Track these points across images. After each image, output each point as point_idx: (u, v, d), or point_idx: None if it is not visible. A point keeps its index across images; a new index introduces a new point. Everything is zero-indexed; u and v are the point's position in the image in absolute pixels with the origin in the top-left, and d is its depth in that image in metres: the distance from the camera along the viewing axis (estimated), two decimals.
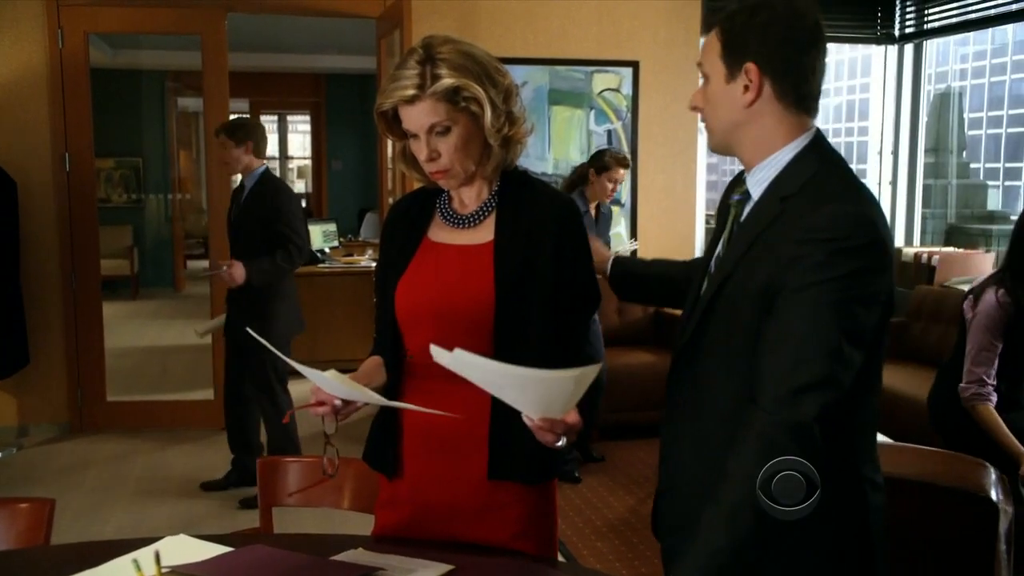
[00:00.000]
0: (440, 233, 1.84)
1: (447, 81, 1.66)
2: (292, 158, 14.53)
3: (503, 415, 1.69)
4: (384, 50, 5.62)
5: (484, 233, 1.80)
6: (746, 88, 1.52)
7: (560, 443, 1.60)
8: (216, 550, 1.73)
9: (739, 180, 1.66)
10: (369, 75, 8.95)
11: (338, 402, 1.68)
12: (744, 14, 1.54)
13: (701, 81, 1.61)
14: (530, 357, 1.70)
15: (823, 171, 1.51)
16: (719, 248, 1.64)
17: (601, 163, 4.57)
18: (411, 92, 1.67)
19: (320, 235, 7.77)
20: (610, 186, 4.59)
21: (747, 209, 1.59)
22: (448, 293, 1.75)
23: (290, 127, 14.20)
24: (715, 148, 1.65)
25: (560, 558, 3.56)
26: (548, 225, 1.77)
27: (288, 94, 11.95)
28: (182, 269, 10.56)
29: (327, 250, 7.67)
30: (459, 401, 1.70)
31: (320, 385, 1.68)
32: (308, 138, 13.17)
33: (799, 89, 1.54)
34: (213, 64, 5.42)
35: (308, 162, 13.65)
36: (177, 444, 5.29)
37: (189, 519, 4.18)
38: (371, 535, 1.92)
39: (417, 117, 1.68)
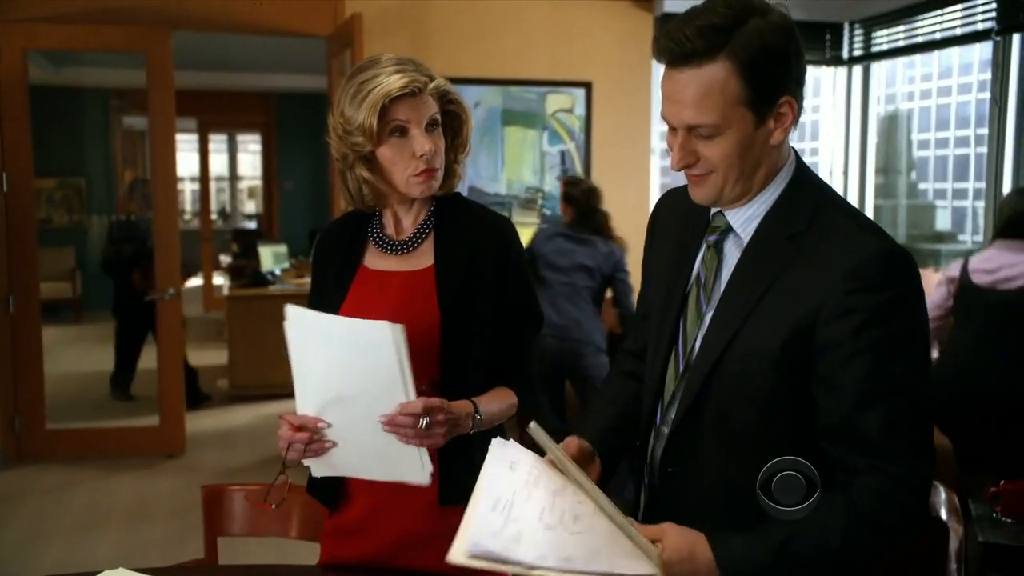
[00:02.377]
0: (376, 260, 1.80)
1: (441, 79, 1.71)
2: (242, 178, 14.35)
3: (450, 441, 1.65)
4: (335, 69, 5.55)
5: (423, 258, 1.77)
6: (776, 124, 1.34)
7: (430, 428, 1.54)
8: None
9: (687, 193, 1.44)
10: (320, 95, 8.86)
11: (314, 434, 1.63)
12: (752, 37, 1.28)
13: (680, 134, 1.35)
14: (475, 379, 1.71)
15: (824, 201, 1.39)
16: (694, 294, 1.44)
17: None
18: (416, 82, 1.65)
19: (271, 256, 7.64)
20: None
21: (731, 249, 1.42)
22: (392, 321, 1.68)
23: (240, 147, 14.02)
24: (721, 201, 1.39)
25: None
26: (489, 247, 1.75)
27: (238, 113, 11.81)
28: None
29: (278, 272, 7.55)
30: None
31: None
32: (259, 158, 13.01)
33: (802, 110, 1.37)
34: (159, 82, 5.30)
35: (259, 183, 13.48)
36: (121, 472, 5.13)
37: (132, 551, 4.04)
38: (317, 565, 1.85)
39: (420, 108, 1.67)
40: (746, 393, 1.36)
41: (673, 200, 1.59)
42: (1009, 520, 2.80)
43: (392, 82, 1.64)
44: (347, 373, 1.57)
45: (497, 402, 1.74)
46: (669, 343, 1.47)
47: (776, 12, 1.32)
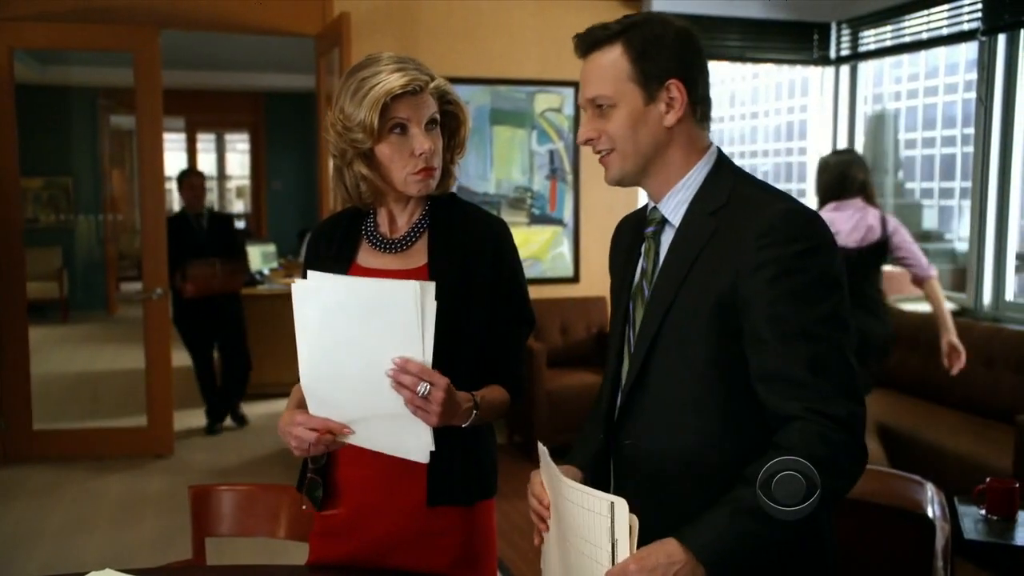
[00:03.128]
0: (369, 258, 1.80)
1: (442, 79, 1.71)
2: (230, 178, 14.30)
3: (438, 441, 1.66)
4: (323, 69, 5.54)
5: (416, 257, 1.76)
6: (668, 107, 1.49)
7: (431, 397, 1.52)
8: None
9: (641, 215, 1.62)
10: (309, 94, 8.85)
11: (326, 434, 1.62)
12: (644, 30, 1.49)
13: (586, 113, 1.54)
14: (466, 379, 1.70)
15: (741, 180, 1.52)
16: (638, 285, 1.56)
17: None
18: (417, 80, 1.66)
19: (259, 256, 7.62)
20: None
21: (666, 237, 1.54)
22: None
23: (228, 146, 13.97)
24: (624, 179, 1.54)
25: None
26: (484, 247, 1.75)
27: (226, 113, 11.77)
28: (115, 292, 10.27)
29: (266, 271, 7.53)
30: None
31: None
32: (247, 158, 12.97)
33: (707, 102, 1.54)
34: (146, 82, 5.28)
35: (247, 182, 13.44)
36: (109, 473, 5.11)
37: (120, 552, 4.02)
38: (306, 565, 1.85)
39: (421, 107, 1.68)
40: (684, 364, 1.46)
41: (623, 224, 1.72)
42: (995, 518, 2.82)
43: (393, 80, 1.64)
44: (363, 339, 1.54)
45: (494, 400, 1.75)
46: (621, 333, 1.58)
47: (678, 23, 1.52)
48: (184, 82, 9.23)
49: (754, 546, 1.35)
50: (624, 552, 1.35)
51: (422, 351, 1.52)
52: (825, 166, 4.28)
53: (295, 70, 8.76)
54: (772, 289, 1.37)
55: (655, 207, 1.56)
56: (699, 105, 1.51)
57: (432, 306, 1.49)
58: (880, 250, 4.08)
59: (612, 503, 1.34)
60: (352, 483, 1.77)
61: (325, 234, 1.87)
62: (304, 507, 1.82)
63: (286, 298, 6.08)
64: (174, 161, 12.45)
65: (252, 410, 6.36)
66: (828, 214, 4.06)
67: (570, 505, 1.44)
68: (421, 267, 1.74)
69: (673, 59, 1.49)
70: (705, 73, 1.53)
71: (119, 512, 4.51)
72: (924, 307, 5.26)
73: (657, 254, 1.55)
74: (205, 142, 13.38)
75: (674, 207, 1.53)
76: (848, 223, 4.05)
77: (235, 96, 11.39)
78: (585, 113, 1.55)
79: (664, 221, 1.54)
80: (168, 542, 4.09)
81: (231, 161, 14.26)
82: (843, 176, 4.13)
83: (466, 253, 1.75)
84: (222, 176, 14.01)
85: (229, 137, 13.71)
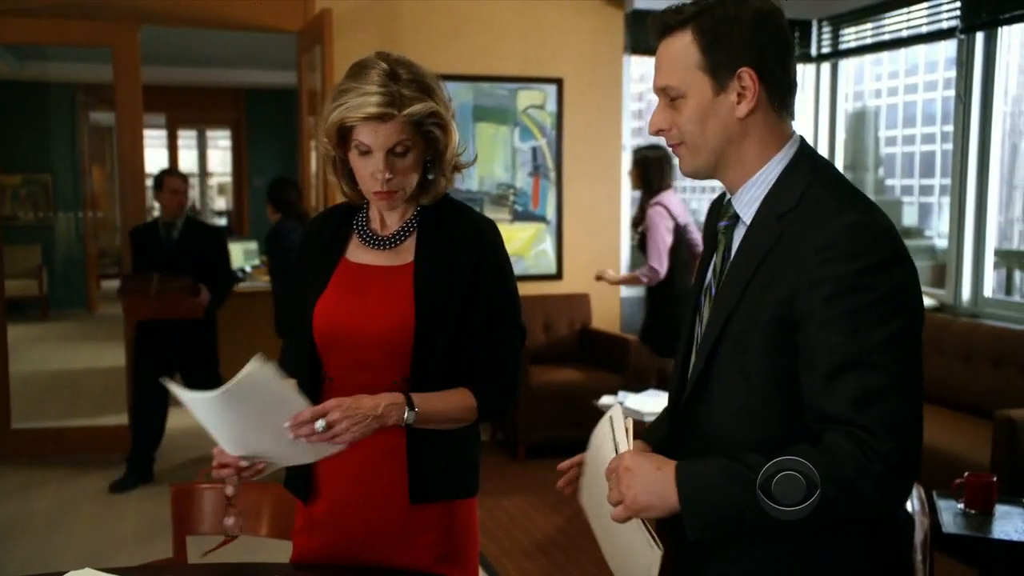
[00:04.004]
0: (359, 254, 1.80)
1: (419, 107, 1.64)
2: (212, 175, 14.22)
3: (419, 438, 1.68)
4: (305, 65, 5.52)
5: (404, 255, 1.77)
6: (740, 97, 1.39)
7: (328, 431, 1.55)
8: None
9: (723, 204, 1.52)
10: (290, 90, 8.80)
11: (242, 463, 1.65)
12: (717, 13, 1.38)
13: (659, 101, 1.45)
14: (443, 380, 1.71)
15: (818, 181, 1.40)
16: (709, 282, 1.50)
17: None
18: (382, 110, 1.62)
19: (241, 254, 7.59)
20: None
21: (738, 234, 1.46)
22: (367, 315, 1.71)
23: (210, 143, 13.90)
24: (698, 172, 1.47)
25: None
26: (467, 248, 1.75)
27: (207, 109, 11.69)
28: (96, 289, 10.20)
29: (248, 269, 7.50)
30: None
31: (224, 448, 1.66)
32: (229, 154, 12.90)
33: (788, 92, 1.43)
34: (126, 78, 5.25)
35: (229, 179, 13.37)
36: (88, 472, 5.07)
37: (100, 551, 4.00)
38: (289, 562, 1.85)
39: (381, 136, 1.64)
40: (741, 373, 1.39)
41: (714, 205, 1.61)
42: (973, 511, 2.85)
43: (360, 103, 1.62)
44: (255, 420, 1.60)
45: (445, 401, 1.69)
46: (692, 323, 1.53)
47: (758, 3, 1.39)
48: (165, 78, 9.16)
49: (734, 512, 1.31)
50: (623, 448, 1.40)
51: (295, 407, 1.56)
52: (647, 160, 4.90)
53: (277, 66, 8.72)
54: (829, 309, 1.28)
55: (729, 200, 1.48)
56: (777, 94, 1.40)
57: (275, 370, 1.54)
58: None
59: (610, 416, 1.42)
60: (333, 478, 1.77)
61: (317, 230, 1.88)
62: (233, 534, 1.81)
63: (266, 296, 6.03)
64: (155, 158, 12.37)
65: None
66: (671, 198, 4.87)
67: (594, 448, 1.52)
68: (407, 264, 1.75)
69: (746, 45, 1.37)
70: (786, 58, 1.41)
71: (99, 511, 4.48)
72: None
73: (728, 250, 1.47)
74: (186, 139, 13.30)
75: (746, 204, 1.44)
76: (680, 207, 4.86)
77: (216, 92, 11.32)
78: (658, 102, 1.46)
79: (737, 217, 1.46)
80: (148, 541, 4.07)
81: (213, 158, 14.19)
82: (663, 170, 4.84)
83: (451, 255, 1.74)
84: (204, 173, 13.93)
85: (211, 134, 13.63)
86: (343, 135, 1.69)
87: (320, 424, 1.54)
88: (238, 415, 1.59)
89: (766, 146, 1.42)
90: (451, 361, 1.73)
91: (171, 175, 4.97)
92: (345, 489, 1.76)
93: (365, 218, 1.82)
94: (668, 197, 4.87)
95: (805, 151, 1.44)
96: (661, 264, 4.80)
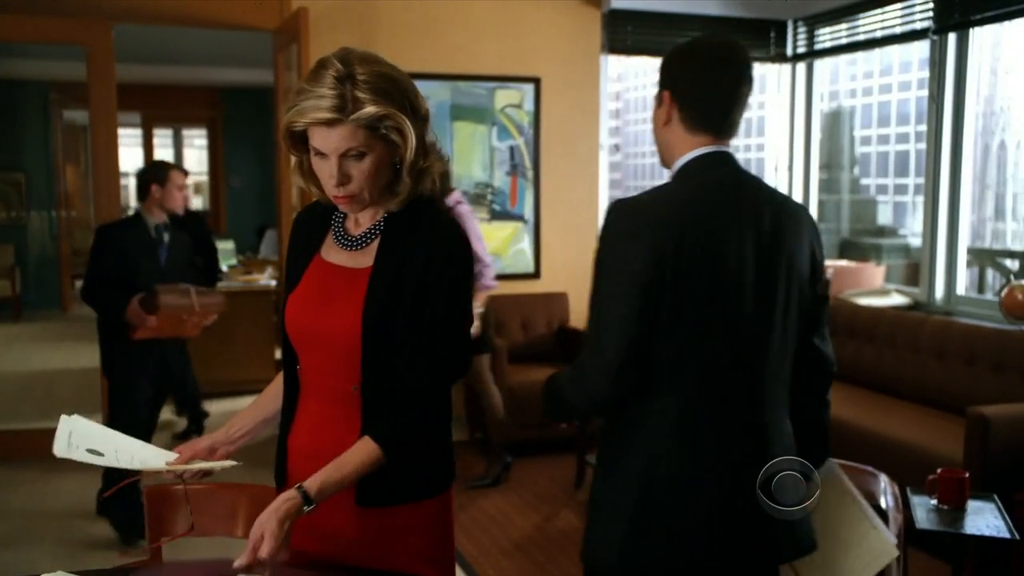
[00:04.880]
0: (331, 252, 1.79)
1: (371, 109, 1.57)
2: (188, 174, 14.10)
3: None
4: (281, 64, 5.49)
5: (366, 258, 1.74)
6: (664, 112, 1.84)
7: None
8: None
9: None
10: (267, 89, 8.76)
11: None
12: (667, 55, 1.89)
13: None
14: (402, 390, 1.67)
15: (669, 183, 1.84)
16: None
17: None
18: (330, 115, 1.56)
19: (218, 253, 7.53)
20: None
21: None
22: (324, 317, 1.71)
23: (186, 142, 13.79)
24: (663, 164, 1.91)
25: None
26: (420, 256, 1.68)
27: (183, 108, 11.61)
28: (70, 289, 10.11)
29: (225, 269, 7.44)
30: (340, 425, 1.70)
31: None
32: (205, 153, 12.81)
33: (702, 113, 1.81)
34: (100, 76, 5.20)
35: (205, 178, 13.27)
36: (63, 473, 5.01)
37: (74, 554, 3.96)
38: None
39: (332, 140, 1.59)
40: None
41: None
42: (945, 507, 2.88)
43: (310, 107, 1.57)
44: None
45: (340, 471, 1.62)
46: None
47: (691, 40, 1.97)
48: (140, 77, 9.09)
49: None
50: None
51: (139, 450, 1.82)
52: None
53: (254, 65, 8.66)
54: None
55: None
56: (689, 114, 1.82)
57: (86, 422, 1.89)
58: None
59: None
60: (300, 475, 1.75)
61: (303, 221, 1.88)
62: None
63: (244, 296, 6.00)
64: (130, 157, 12.25)
65: (210, 407, 6.29)
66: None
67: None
68: (366, 268, 1.71)
69: (666, 73, 1.88)
70: (700, 85, 1.83)
71: (73, 513, 4.44)
72: (878, 301, 5.36)
73: None
74: (162, 137, 13.18)
75: None
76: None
77: (192, 91, 11.24)
78: None
79: None
80: (123, 546, 4.04)
81: (189, 157, 14.08)
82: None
83: (405, 261, 1.68)
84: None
85: (187, 133, 13.52)
86: (301, 138, 1.66)
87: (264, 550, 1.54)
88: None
89: (674, 153, 1.84)
90: (400, 371, 1.67)
91: (175, 169, 4.47)
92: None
93: (342, 215, 1.80)
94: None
95: (690, 165, 1.80)
96: None
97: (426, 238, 1.69)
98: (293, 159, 1.75)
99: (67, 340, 8.50)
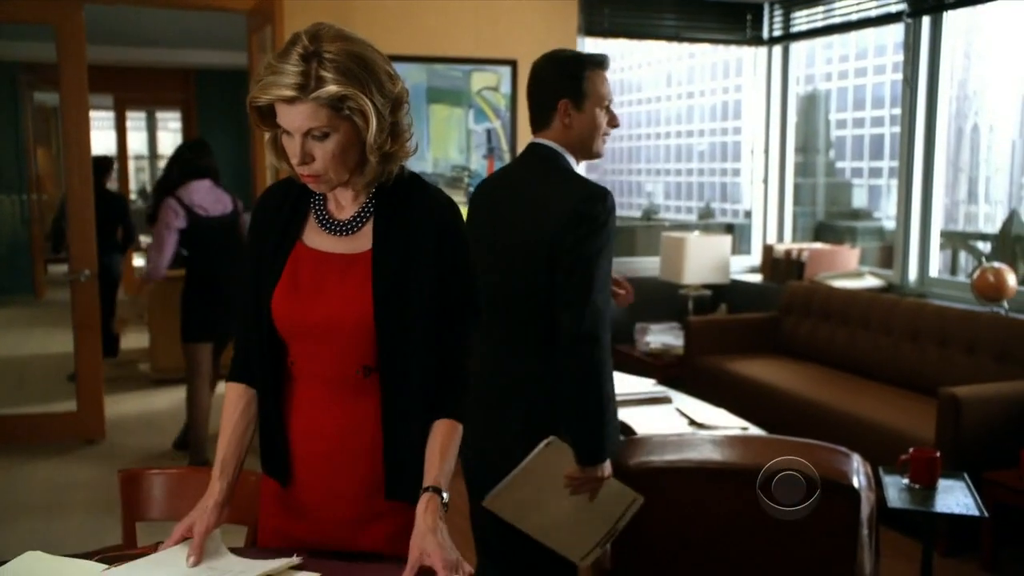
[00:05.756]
0: (316, 239, 1.73)
1: (332, 88, 1.54)
2: (162, 157, 13.98)
3: (395, 435, 1.67)
4: (255, 45, 5.44)
5: (363, 241, 1.71)
6: None
7: None
8: (75, 565, 1.62)
9: None
10: (242, 71, 8.68)
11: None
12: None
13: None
14: (419, 368, 1.68)
15: None
16: None
17: None
18: (290, 93, 1.54)
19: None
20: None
21: None
22: (325, 306, 1.67)
23: (160, 124, 13.66)
24: None
25: None
26: (427, 230, 1.69)
27: (156, 90, 11.47)
28: (42, 274, 9.99)
29: None
30: (345, 408, 1.69)
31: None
32: (179, 136, 12.68)
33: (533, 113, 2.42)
34: (70, 57, 5.13)
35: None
36: (36, 460, 4.99)
37: (48, 541, 3.93)
38: (257, 546, 1.83)
39: (295, 118, 1.56)
40: None
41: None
42: (917, 486, 2.92)
43: (272, 83, 1.54)
44: None
45: (446, 457, 1.69)
46: None
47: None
48: (112, 58, 8.97)
49: None
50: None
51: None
52: (179, 156, 5.06)
53: (228, 47, 8.58)
54: None
55: None
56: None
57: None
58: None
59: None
60: (304, 461, 1.75)
61: (272, 205, 1.79)
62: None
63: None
64: (102, 139, 12.11)
65: (175, 395, 6.27)
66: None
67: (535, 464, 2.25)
68: (366, 252, 1.69)
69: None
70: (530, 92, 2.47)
71: (48, 500, 4.41)
72: (852, 284, 5.40)
73: None
74: (135, 120, 13.05)
75: None
76: (210, 195, 4.90)
77: (166, 73, 11.11)
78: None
79: None
80: (99, 528, 4.02)
81: (163, 140, 13.96)
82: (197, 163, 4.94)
83: (409, 239, 1.69)
84: (154, 155, 13.70)
85: (161, 115, 13.40)
86: (272, 113, 1.62)
87: None
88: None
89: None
90: (421, 348, 1.69)
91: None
92: (317, 474, 1.73)
93: (322, 199, 1.75)
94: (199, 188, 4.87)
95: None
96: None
97: (428, 215, 1.70)
98: (267, 136, 1.70)
99: (40, 326, 8.42)
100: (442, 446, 1.68)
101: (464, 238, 1.75)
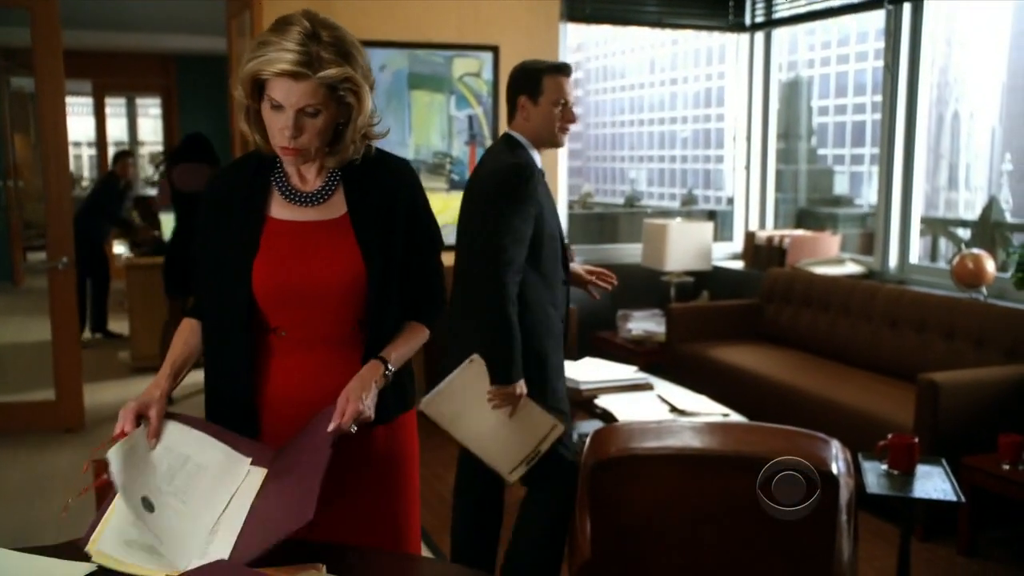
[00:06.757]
0: (283, 211, 1.81)
1: (335, 70, 1.65)
2: (143, 143, 13.86)
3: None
4: (234, 30, 5.39)
5: (335, 209, 1.81)
6: None
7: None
8: (39, 563, 1.59)
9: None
10: (222, 57, 8.61)
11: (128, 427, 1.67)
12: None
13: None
14: (395, 316, 1.87)
15: None
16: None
17: None
18: (299, 69, 1.63)
19: (171, 223, 7.41)
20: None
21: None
22: (316, 271, 1.76)
23: (141, 111, 13.52)
24: None
25: (425, 552, 3.49)
26: (401, 191, 1.85)
27: (136, 76, 11.35)
28: (21, 262, 9.89)
29: None
30: (328, 369, 1.78)
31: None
32: (160, 123, 12.57)
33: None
34: (45, 42, 5.06)
35: (160, 147, 13.04)
36: (13, 449, 4.95)
37: (24, 531, 3.90)
38: None
39: (294, 94, 1.65)
40: None
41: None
42: (896, 472, 2.93)
43: (277, 58, 1.63)
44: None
45: (407, 344, 1.87)
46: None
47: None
48: (90, 43, 8.87)
49: None
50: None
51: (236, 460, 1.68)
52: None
53: (208, 32, 8.50)
54: None
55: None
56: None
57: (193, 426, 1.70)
58: None
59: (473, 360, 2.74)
60: (276, 429, 1.79)
61: (227, 181, 1.86)
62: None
63: None
64: (82, 126, 12.00)
65: None
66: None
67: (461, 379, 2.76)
68: (342, 216, 1.80)
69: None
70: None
71: (25, 490, 4.38)
72: (833, 270, 5.42)
73: None
74: (115, 107, 12.91)
75: None
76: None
77: (145, 58, 11.00)
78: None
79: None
80: (79, 519, 3.97)
81: (144, 126, 13.82)
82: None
83: (383, 198, 1.83)
84: (134, 142, 13.56)
85: (141, 101, 13.26)
86: (259, 87, 1.70)
87: (352, 428, 1.67)
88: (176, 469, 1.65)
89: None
90: (398, 297, 1.86)
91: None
92: (289, 428, 1.76)
93: (283, 174, 1.82)
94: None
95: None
96: None
97: (393, 178, 1.86)
98: (237, 103, 1.77)
99: (19, 314, 8.33)
100: (405, 336, 1.88)
101: (422, 188, 1.94)
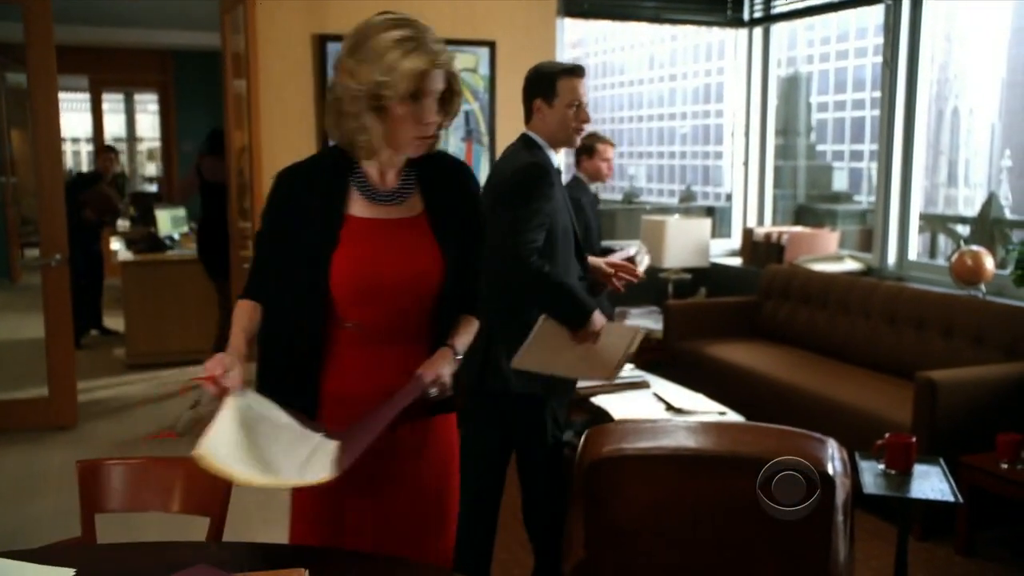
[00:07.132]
0: (364, 210, 1.85)
1: (455, 62, 1.84)
2: (141, 139, 13.82)
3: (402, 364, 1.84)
4: (228, 25, 5.35)
5: (413, 207, 1.88)
6: None
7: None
8: (25, 570, 1.57)
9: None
10: (219, 52, 8.59)
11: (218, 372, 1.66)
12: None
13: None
14: (456, 308, 1.94)
15: None
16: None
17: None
18: (448, 60, 1.80)
19: (169, 220, 7.40)
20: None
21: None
22: (400, 266, 1.81)
23: (139, 107, 13.48)
24: None
25: None
26: (465, 190, 1.96)
27: (133, 71, 11.30)
28: (18, 258, 9.86)
29: (176, 236, 7.32)
30: (397, 363, 1.82)
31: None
32: (158, 119, 12.54)
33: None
34: (38, 37, 5.03)
35: (158, 144, 13.01)
36: (5, 447, 4.92)
37: (17, 529, 3.88)
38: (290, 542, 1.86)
39: (438, 82, 1.78)
40: None
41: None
42: (892, 471, 2.91)
43: (436, 51, 1.76)
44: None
45: (468, 334, 1.96)
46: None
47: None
48: (86, 39, 8.83)
49: None
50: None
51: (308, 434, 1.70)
52: None
53: (204, 27, 8.47)
54: None
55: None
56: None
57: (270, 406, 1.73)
58: None
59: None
60: (333, 414, 1.83)
61: (302, 177, 1.88)
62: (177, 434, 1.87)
63: (195, 263, 5.89)
64: (80, 122, 11.96)
65: (162, 378, 6.21)
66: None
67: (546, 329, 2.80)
68: (420, 214, 1.87)
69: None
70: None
71: (17, 487, 4.35)
72: (832, 267, 5.39)
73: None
74: (113, 103, 12.87)
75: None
76: None
77: (142, 54, 10.96)
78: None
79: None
80: (68, 518, 3.94)
81: (142, 122, 13.78)
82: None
83: (454, 200, 1.92)
84: (132, 138, 13.53)
85: (140, 97, 13.22)
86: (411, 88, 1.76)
87: (433, 390, 1.77)
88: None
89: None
90: (459, 290, 1.92)
91: None
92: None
93: (362, 174, 1.87)
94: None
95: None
96: None
97: (460, 178, 1.96)
98: (344, 104, 1.78)
99: (15, 311, 8.30)
100: (463, 327, 1.96)
101: (479, 189, 2.04)
